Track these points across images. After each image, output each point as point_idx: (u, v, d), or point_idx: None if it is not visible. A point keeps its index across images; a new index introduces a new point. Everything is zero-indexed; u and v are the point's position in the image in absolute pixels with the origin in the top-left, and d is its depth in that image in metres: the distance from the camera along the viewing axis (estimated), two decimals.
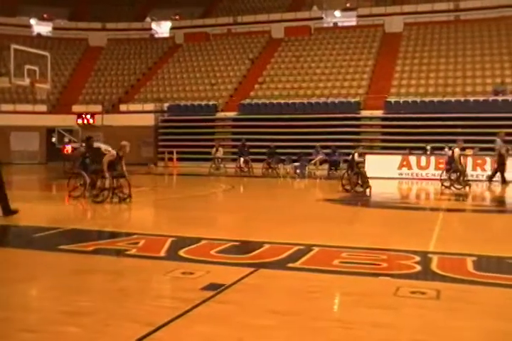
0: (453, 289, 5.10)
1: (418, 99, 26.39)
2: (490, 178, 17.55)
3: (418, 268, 5.82)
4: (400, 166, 20.33)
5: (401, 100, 26.59)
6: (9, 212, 9.04)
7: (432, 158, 20.27)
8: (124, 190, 11.77)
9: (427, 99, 26.27)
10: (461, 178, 15.57)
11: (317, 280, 5.31)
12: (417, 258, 6.20)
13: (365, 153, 20.63)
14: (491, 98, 25.47)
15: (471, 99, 25.74)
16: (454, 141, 22.03)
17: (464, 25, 33.51)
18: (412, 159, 20.29)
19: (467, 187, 15.46)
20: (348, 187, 14.77)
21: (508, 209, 13.09)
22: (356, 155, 15.34)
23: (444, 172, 16.12)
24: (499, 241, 7.78)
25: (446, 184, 15.76)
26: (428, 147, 22.13)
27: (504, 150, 17.88)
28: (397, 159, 20.53)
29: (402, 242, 7.44)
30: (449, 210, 11.58)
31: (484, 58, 29.91)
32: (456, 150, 15.89)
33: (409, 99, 26.54)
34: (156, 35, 43.31)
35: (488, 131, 23.17)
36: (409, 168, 20.21)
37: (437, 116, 24.66)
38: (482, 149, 21.22)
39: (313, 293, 4.85)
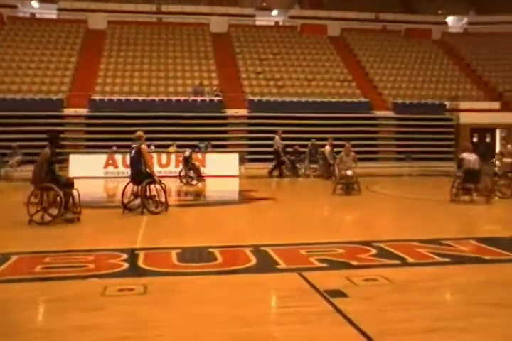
0: (159, 282, 5.27)
1: (123, 98, 26.60)
2: (270, 173, 20.03)
3: (125, 265, 5.86)
4: (106, 165, 20.11)
5: (106, 98, 26.45)
6: None
7: None
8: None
9: (132, 98, 26.65)
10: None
11: (18, 291, 4.91)
12: (125, 256, 6.23)
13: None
14: (191, 98, 27.16)
15: (174, 98, 27.03)
16: (161, 139, 22.94)
17: (166, 27, 34.92)
18: (118, 157, 20.27)
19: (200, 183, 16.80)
20: (184, 181, 16.63)
21: (210, 202, 14.05)
22: (188, 153, 17.34)
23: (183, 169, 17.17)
24: (199, 233, 8.31)
25: (184, 181, 16.82)
26: (134, 145, 22.39)
27: (281, 147, 20.18)
28: (102, 158, 20.25)
29: (110, 241, 7.39)
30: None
31: (185, 60, 31.68)
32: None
33: (115, 98, 26.57)
34: None
35: (190, 130, 24.67)
36: (115, 166, 20.15)
37: (142, 114, 25.22)
38: (183, 146, 22.32)
39: (14, 305, 4.46)
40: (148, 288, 4.97)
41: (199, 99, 26.97)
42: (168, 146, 21.78)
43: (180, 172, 17.24)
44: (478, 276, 5.55)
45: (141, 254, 6.37)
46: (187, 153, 17.43)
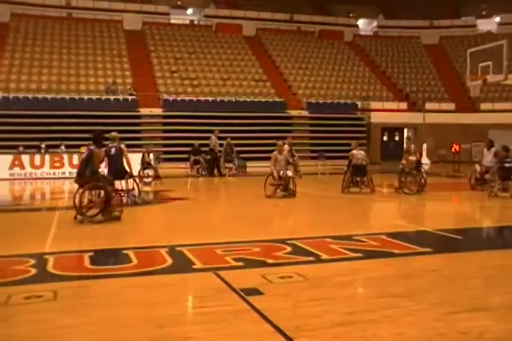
0: (70, 287, 5.08)
1: (30, 96, 25.42)
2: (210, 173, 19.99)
3: (33, 271, 5.59)
4: (12, 166, 19.15)
5: (10, 96, 25.17)
6: None
7: (47, 157, 19.76)
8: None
9: (40, 96, 25.52)
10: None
11: None
12: (33, 262, 5.95)
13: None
14: (104, 97, 26.43)
15: (85, 97, 26.17)
16: (72, 139, 22.12)
17: (76, 23, 33.70)
18: (25, 158, 19.37)
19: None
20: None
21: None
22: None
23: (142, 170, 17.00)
24: (113, 234, 8.10)
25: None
26: (43, 145, 21.52)
27: (218, 146, 20.20)
28: (7, 159, 19.28)
29: (15, 246, 6.99)
30: (66, 208, 11.48)
31: (97, 58, 30.71)
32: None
33: (21, 95, 25.34)
34: None
35: (102, 129, 23.93)
36: (22, 167, 19.24)
37: (51, 113, 24.20)
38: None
39: None
40: (59, 294, 4.77)
41: (112, 97, 26.31)
42: (79, 146, 21.06)
43: (139, 172, 16.79)
44: (388, 270, 5.76)
45: (51, 259, 6.11)
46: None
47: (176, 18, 37.60)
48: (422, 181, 13.54)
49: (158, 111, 26.87)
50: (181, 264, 5.95)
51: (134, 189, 11.35)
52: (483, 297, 4.79)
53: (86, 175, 9.16)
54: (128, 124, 25.30)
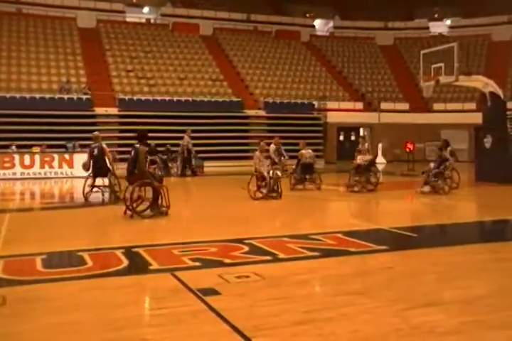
0: (21, 291, 4.94)
1: None
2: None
3: None
4: None
5: None
6: None
7: None
8: None
9: None
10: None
11: None
12: None
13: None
14: (57, 96, 25.81)
15: (37, 96, 25.49)
16: (24, 139, 21.52)
17: (27, 19, 32.80)
18: None
19: None
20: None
21: (77, 203, 13.42)
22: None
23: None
24: (68, 236, 7.92)
25: None
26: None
27: (191, 146, 20.38)
28: None
29: None
30: (17, 210, 11.19)
31: (49, 56, 29.96)
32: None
33: None
34: None
35: (56, 129, 23.48)
36: None
37: (1, 112, 23.46)
38: (50, 146, 21.21)
39: None
40: (9, 299, 4.62)
41: (66, 96, 25.75)
42: (31, 146, 20.53)
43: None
44: (345, 268, 5.82)
45: (1, 262, 5.92)
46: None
47: (131, 17, 37.08)
48: (374, 180, 13.83)
49: (113, 110, 26.43)
50: (138, 265, 5.88)
51: (115, 185, 11.81)
52: (437, 292, 4.90)
53: (136, 173, 9.55)
54: (83, 124, 24.77)
